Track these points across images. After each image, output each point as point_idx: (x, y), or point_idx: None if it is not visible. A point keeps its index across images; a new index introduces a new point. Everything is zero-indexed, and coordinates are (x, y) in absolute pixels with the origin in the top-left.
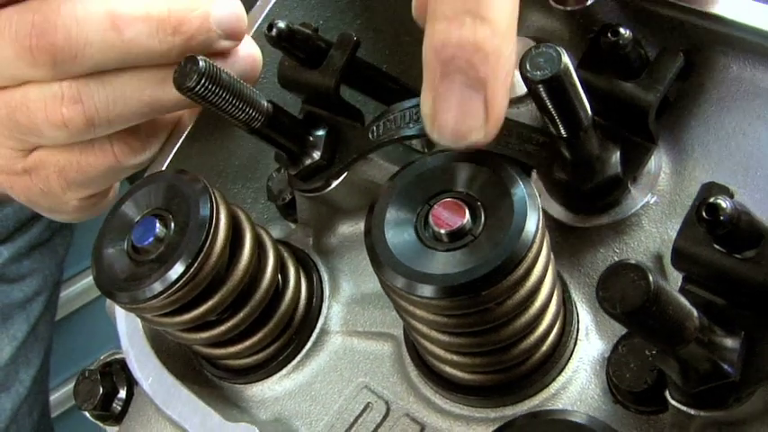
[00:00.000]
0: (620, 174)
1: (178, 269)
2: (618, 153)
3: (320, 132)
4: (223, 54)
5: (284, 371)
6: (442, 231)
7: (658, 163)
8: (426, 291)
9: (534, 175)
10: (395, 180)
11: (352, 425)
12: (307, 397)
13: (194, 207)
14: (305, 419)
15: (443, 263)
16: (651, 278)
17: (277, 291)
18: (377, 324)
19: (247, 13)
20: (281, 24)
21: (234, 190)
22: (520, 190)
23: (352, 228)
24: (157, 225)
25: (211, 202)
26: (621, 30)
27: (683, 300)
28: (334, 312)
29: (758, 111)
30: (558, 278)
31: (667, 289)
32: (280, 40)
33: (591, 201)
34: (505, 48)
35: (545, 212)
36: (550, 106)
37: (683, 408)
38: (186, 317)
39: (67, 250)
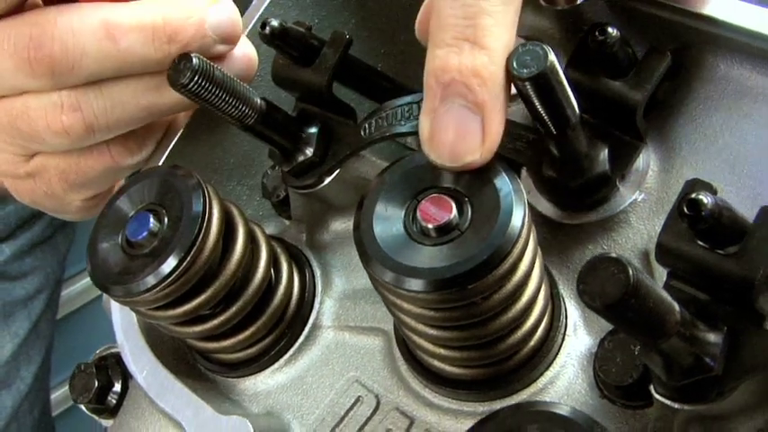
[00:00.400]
0: (608, 171)
1: (171, 263)
2: (606, 151)
3: (313, 129)
4: (219, 57)
5: (276, 365)
6: (430, 226)
7: (646, 161)
8: (413, 284)
9: (524, 172)
10: (384, 176)
11: (342, 418)
12: (298, 390)
13: (187, 202)
14: (296, 413)
15: (431, 257)
16: (630, 271)
17: (270, 286)
18: (368, 319)
19: (243, 11)
20: (275, 23)
21: (229, 187)
22: (506, 186)
23: (344, 224)
24: (151, 220)
25: (204, 197)
26: (609, 29)
27: (663, 294)
28: (326, 307)
29: (745, 109)
30: (546, 274)
31: (647, 283)
32: (273, 39)
33: (579, 198)
34: (501, 74)
35: (534, 209)
36: (537, 104)
37: (668, 402)
38: (179, 310)
39: (69, 248)
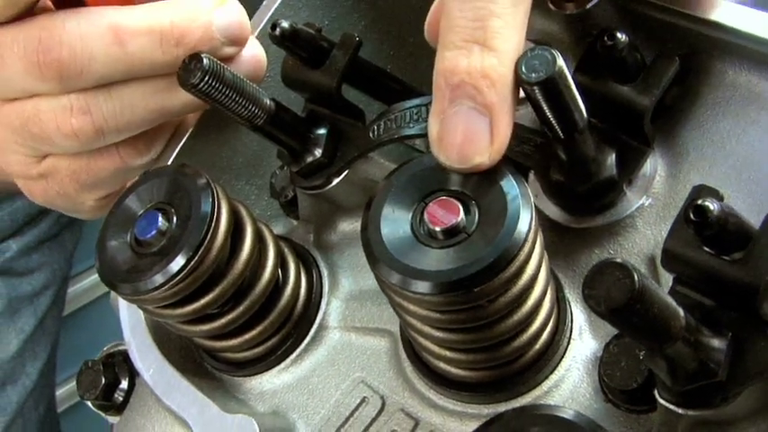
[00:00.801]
0: (615, 176)
1: (179, 262)
2: (613, 155)
3: (322, 131)
4: (228, 58)
5: (283, 364)
6: (437, 229)
7: (654, 166)
8: (420, 287)
9: (531, 175)
10: (392, 178)
11: (348, 418)
12: (304, 390)
13: (196, 201)
14: (302, 412)
15: (437, 260)
16: (636, 277)
17: (277, 285)
18: (374, 320)
19: (253, 12)
20: (285, 24)
21: (238, 186)
22: (513, 189)
23: (352, 225)
24: (160, 218)
25: (213, 196)
26: (618, 34)
27: (668, 299)
28: (333, 308)
29: (753, 116)
30: (552, 277)
31: (652, 288)
32: (283, 40)
33: (586, 202)
34: (511, 76)
35: (541, 213)
36: (545, 108)
37: (672, 407)
38: (187, 309)
39: (76, 245)
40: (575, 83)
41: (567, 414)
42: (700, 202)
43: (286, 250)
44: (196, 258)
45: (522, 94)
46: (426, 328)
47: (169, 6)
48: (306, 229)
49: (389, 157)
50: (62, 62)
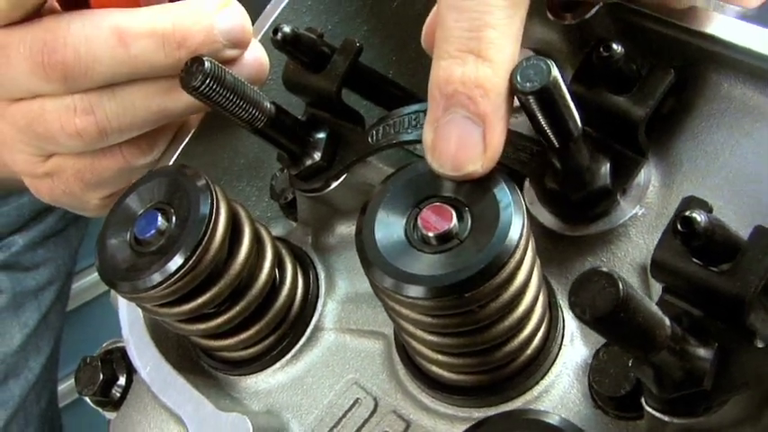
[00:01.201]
0: (609, 185)
1: (177, 261)
2: (608, 165)
3: (321, 134)
4: (230, 61)
5: (278, 364)
6: (430, 234)
7: (648, 176)
8: (412, 291)
9: (527, 183)
10: (387, 183)
11: (340, 419)
12: (298, 390)
13: (195, 202)
14: (296, 412)
15: (430, 265)
16: (621, 286)
17: (274, 286)
18: (369, 322)
19: (257, 16)
20: (287, 29)
21: (239, 187)
22: (506, 197)
23: (349, 228)
24: (159, 218)
25: (212, 198)
26: (614, 45)
27: (654, 308)
28: (328, 309)
29: (746, 128)
30: (545, 284)
31: (637, 297)
32: (284, 44)
33: (580, 210)
34: (505, 86)
35: (536, 220)
36: (540, 117)
37: (658, 414)
38: (184, 308)
39: (81, 242)
40: (570, 92)
41: (553, 420)
42: (687, 213)
43: (284, 252)
44: (194, 258)
45: (517, 102)
46: (418, 332)
47: (172, 9)
48: (304, 231)
49: (388, 161)
50: (66, 63)
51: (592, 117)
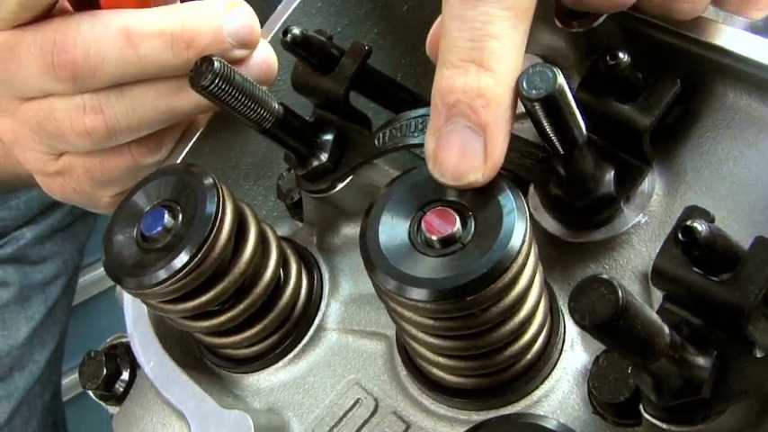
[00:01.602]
0: (613, 193)
1: (183, 258)
2: (612, 173)
3: (328, 136)
4: (238, 61)
5: (280, 363)
6: (434, 238)
7: (652, 184)
8: (414, 293)
9: (532, 189)
10: (392, 186)
11: (341, 419)
12: (300, 389)
13: (201, 201)
14: (297, 411)
15: (432, 268)
16: (620, 293)
17: (278, 285)
18: (372, 324)
19: (267, 17)
20: (296, 30)
21: (246, 186)
22: (510, 203)
23: (354, 229)
24: (166, 216)
25: (218, 197)
26: (620, 54)
27: (653, 316)
28: (332, 310)
29: (751, 139)
30: (547, 289)
31: (637, 305)
32: (294, 46)
33: (584, 217)
34: (507, 96)
35: (539, 226)
36: (545, 124)
37: (656, 422)
38: (189, 305)
39: (89, 237)
40: (576, 100)
41: (551, 424)
42: (689, 222)
43: (288, 251)
44: (199, 256)
45: (522, 109)
46: (420, 334)
47: (181, 10)
48: (309, 231)
49: (394, 164)
50: (76, 63)
51: (597, 125)
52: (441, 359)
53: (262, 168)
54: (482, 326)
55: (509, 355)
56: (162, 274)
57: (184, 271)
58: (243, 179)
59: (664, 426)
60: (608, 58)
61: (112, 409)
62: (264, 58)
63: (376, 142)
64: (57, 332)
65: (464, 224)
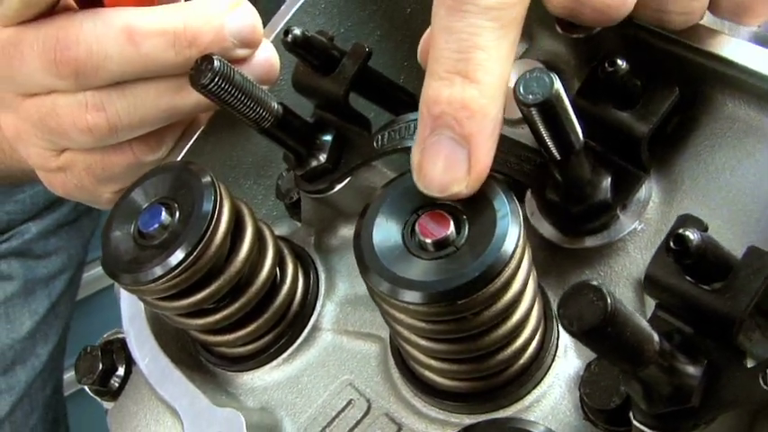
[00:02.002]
0: (609, 199)
1: (179, 256)
2: (609, 179)
3: (327, 137)
4: (240, 60)
5: (275, 362)
6: (427, 241)
7: (648, 192)
8: (406, 296)
9: (529, 194)
10: (387, 188)
11: (333, 419)
12: (293, 389)
13: (199, 199)
14: (289, 410)
15: (425, 270)
16: (609, 300)
17: (274, 284)
18: (366, 325)
19: (270, 17)
20: (297, 31)
21: (245, 185)
22: (504, 207)
23: (352, 231)
24: (163, 213)
25: (215, 195)
26: (619, 61)
27: (643, 323)
28: (327, 310)
29: (749, 149)
30: (541, 295)
31: (626, 312)
32: (294, 46)
33: (580, 223)
34: (492, 108)
35: (535, 231)
36: (542, 129)
37: (646, 429)
38: (184, 302)
39: (93, 232)
40: (574, 106)
41: (539, 430)
42: (681, 231)
43: (285, 251)
44: (195, 254)
45: (519, 114)
46: (413, 337)
47: (183, 9)
48: (307, 231)
49: (392, 166)
50: (78, 60)
51: (595, 131)
52: (433, 362)
53: (262, 168)
54: (474, 329)
55: (501, 360)
56: (158, 271)
57: (180, 268)
58: (243, 178)
59: None
60: (606, 64)
61: (107, 405)
62: (267, 57)
63: (375, 144)
64: (60, 327)
65: (458, 228)
